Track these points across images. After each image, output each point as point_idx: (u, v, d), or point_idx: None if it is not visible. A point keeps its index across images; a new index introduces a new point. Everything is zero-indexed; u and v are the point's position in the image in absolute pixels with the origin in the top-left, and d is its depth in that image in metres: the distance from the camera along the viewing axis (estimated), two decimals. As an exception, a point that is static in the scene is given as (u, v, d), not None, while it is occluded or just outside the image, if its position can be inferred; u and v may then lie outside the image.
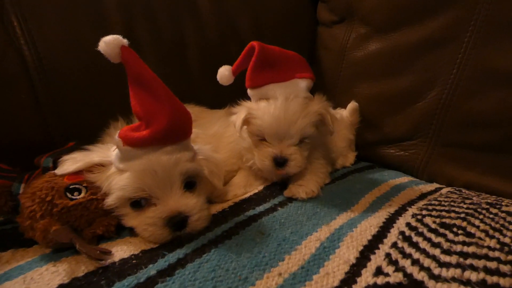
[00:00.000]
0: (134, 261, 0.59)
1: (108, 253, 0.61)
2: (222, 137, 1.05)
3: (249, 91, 0.94)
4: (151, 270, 0.56)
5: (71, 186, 0.69)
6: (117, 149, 0.70)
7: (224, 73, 0.98)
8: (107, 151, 0.75)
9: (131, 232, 0.70)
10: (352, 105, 1.27)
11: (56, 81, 0.99)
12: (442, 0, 1.06)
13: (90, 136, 0.93)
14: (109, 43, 0.65)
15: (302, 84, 0.90)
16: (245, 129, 0.93)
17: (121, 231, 0.72)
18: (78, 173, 0.72)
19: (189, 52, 1.26)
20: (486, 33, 0.98)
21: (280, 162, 0.84)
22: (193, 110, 1.13)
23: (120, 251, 0.63)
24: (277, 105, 0.84)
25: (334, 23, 1.44)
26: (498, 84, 0.96)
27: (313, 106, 0.88)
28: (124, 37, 0.67)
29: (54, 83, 0.99)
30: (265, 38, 1.42)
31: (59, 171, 0.72)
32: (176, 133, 0.70)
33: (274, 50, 0.92)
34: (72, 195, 0.68)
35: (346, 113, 1.27)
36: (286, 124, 0.83)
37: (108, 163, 0.72)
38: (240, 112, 0.91)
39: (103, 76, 1.05)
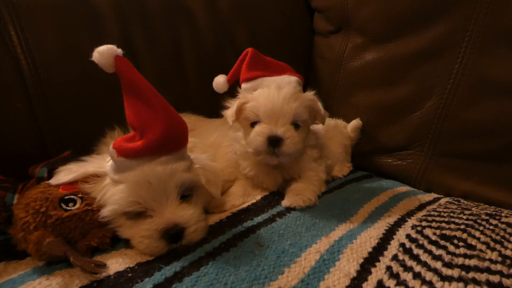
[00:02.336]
0: (129, 275, 0.58)
1: (103, 266, 0.60)
2: (219, 146, 1.04)
3: (243, 85, 0.96)
4: (147, 284, 0.55)
5: (66, 197, 0.68)
6: (111, 160, 0.69)
7: (220, 80, 1.00)
8: (103, 162, 0.74)
9: (127, 244, 0.69)
10: (356, 123, 1.26)
11: (52, 90, 0.98)
12: (438, 10, 1.07)
13: (85, 146, 0.92)
14: (103, 53, 0.65)
15: (293, 79, 0.95)
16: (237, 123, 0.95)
17: (116, 243, 0.70)
18: (73, 183, 0.71)
19: (186, 61, 1.26)
20: (482, 43, 0.99)
21: (274, 140, 0.83)
22: (190, 119, 1.12)
23: (115, 263, 0.62)
24: (271, 89, 0.88)
25: (331, 33, 1.45)
26: (495, 94, 0.97)
27: (305, 94, 0.93)
28: (120, 47, 0.66)
29: (50, 93, 0.97)
30: (261, 47, 1.41)
31: (53, 181, 0.70)
32: (171, 142, 0.69)
33: (266, 58, 1.00)
34: (67, 206, 0.66)
35: (348, 128, 1.27)
36: (280, 103, 0.85)
37: (103, 174, 0.71)
38: (234, 102, 0.93)
39: (99, 85, 1.04)
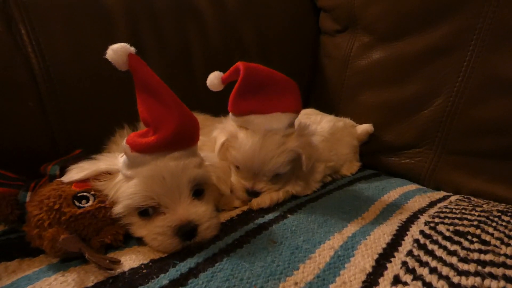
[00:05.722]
0: (144, 271, 0.58)
1: (117, 262, 0.60)
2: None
3: (231, 115, 0.90)
4: (163, 279, 0.54)
5: (78, 194, 0.68)
6: (124, 156, 0.69)
7: (214, 82, 0.91)
8: (114, 159, 0.74)
9: (139, 241, 0.69)
10: (368, 128, 1.25)
11: (63, 89, 0.98)
12: (446, 8, 1.07)
13: (95, 144, 0.92)
14: (117, 51, 0.65)
15: (284, 119, 0.85)
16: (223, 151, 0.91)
17: (129, 240, 0.70)
18: (85, 181, 0.71)
19: (194, 60, 1.26)
20: (491, 41, 0.99)
21: (252, 193, 0.86)
22: (198, 117, 1.10)
23: (129, 260, 0.62)
24: (254, 141, 0.83)
25: (337, 32, 1.45)
26: (504, 92, 0.97)
27: (291, 142, 0.85)
28: (130, 45, 0.66)
29: (60, 91, 0.98)
30: (268, 46, 1.43)
31: (66, 178, 0.71)
32: (184, 139, 0.70)
33: (262, 74, 0.85)
34: (80, 203, 0.66)
35: (358, 130, 1.26)
36: (260, 162, 0.83)
37: (115, 171, 0.71)
38: (220, 136, 0.90)
39: (109, 84, 1.04)
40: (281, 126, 0.84)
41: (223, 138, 0.88)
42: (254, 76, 0.83)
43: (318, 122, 1.12)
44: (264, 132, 0.83)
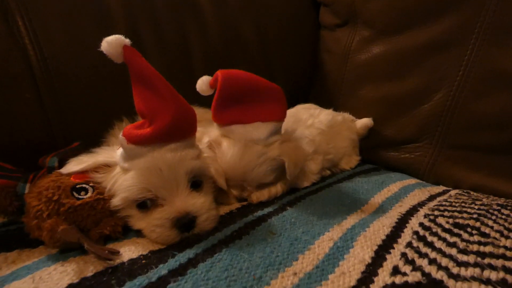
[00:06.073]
0: (143, 261, 0.58)
1: (116, 253, 0.60)
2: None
3: (215, 124, 0.89)
4: (162, 269, 0.54)
5: (77, 186, 0.67)
6: (121, 148, 0.68)
7: (202, 87, 0.89)
8: (112, 152, 0.74)
9: (138, 233, 0.69)
10: (368, 122, 1.25)
11: (60, 81, 0.97)
12: (448, 2, 1.06)
13: (93, 137, 0.92)
14: (111, 43, 0.64)
15: (266, 129, 0.83)
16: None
17: (127, 232, 0.70)
18: (84, 173, 0.71)
19: (193, 55, 1.25)
20: (492, 35, 0.98)
21: (241, 199, 0.87)
22: (198, 111, 1.09)
23: (128, 251, 0.62)
24: (235, 151, 0.82)
25: (337, 27, 1.44)
26: (505, 86, 0.97)
27: (273, 151, 0.83)
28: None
29: (58, 84, 0.97)
30: (268, 43, 1.42)
31: (64, 170, 0.70)
32: (181, 130, 0.69)
33: (242, 82, 0.83)
34: (79, 194, 0.66)
35: (357, 125, 1.26)
36: (242, 173, 0.83)
37: (114, 164, 0.71)
38: (204, 138, 0.89)
39: (107, 77, 1.03)
40: (262, 136, 0.83)
41: (206, 141, 0.88)
42: (233, 86, 0.81)
43: (316, 115, 1.12)
44: (244, 143, 0.82)
